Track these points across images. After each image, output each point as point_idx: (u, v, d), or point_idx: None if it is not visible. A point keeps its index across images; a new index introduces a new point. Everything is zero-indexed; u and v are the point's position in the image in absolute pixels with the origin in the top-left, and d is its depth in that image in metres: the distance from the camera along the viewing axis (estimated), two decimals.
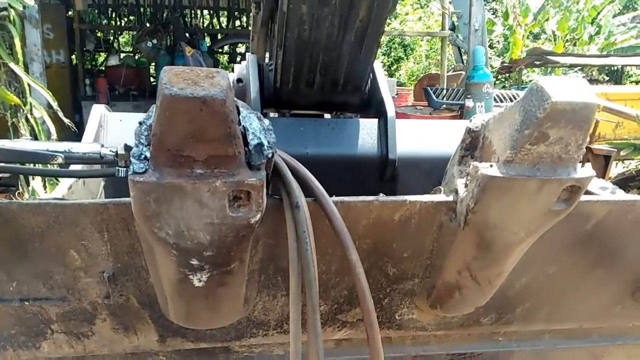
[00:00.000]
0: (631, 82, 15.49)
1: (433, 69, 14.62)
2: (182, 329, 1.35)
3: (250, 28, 2.90)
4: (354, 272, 1.10)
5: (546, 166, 1.03)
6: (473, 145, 1.20)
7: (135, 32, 11.43)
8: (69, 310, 1.27)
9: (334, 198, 1.12)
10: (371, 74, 2.30)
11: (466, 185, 1.13)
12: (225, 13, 12.68)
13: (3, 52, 4.45)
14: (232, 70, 2.52)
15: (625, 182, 5.22)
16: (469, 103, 5.63)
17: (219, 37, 12.59)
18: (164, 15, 11.59)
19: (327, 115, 2.67)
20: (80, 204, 1.07)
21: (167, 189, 0.91)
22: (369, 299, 1.11)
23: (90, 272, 1.18)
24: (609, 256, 1.43)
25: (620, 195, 1.79)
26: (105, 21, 12.06)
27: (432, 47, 17.51)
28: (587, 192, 1.53)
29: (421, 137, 2.34)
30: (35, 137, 4.50)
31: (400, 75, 17.83)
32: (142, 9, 11.80)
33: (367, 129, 2.24)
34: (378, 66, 2.36)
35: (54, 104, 4.53)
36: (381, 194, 1.16)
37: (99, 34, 11.81)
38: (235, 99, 0.96)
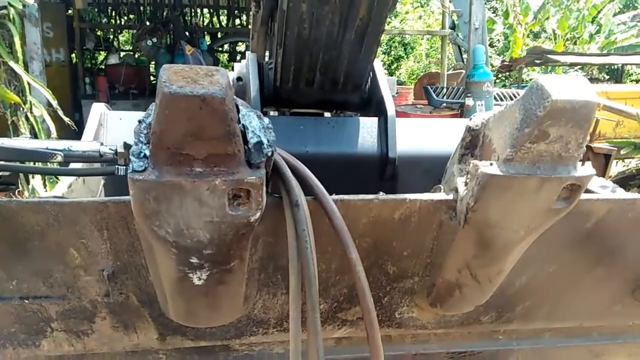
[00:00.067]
0: (631, 80, 15.48)
1: (433, 67, 14.61)
2: (182, 327, 1.35)
3: (250, 27, 2.90)
4: (354, 271, 1.10)
5: (546, 164, 1.03)
6: (473, 144, 1.20)
7: (135, 31, 11.42)
8: (68, 309, 1.27)
9: (334, 196, 1.12)
10: (371, 73, 2.30)
11: (466, 184, 1.13)
12: (225, 12, 12.67)
13: (3, 50, 4.45)
14: (232, 69, 2.52)
15: (625, 181, 5.22)
16: (469, 102, 5.63)
17: (219, 35, 12.58)
18: (164, 13, 11.58)
19: (327, 114, 2.66)
20: (79, 202, 1.07)
21: (167, 187, 0.90)
22: (368, 298, 1.11)
23: (90, 270, 1.18)
24: (609, 255, 1.43)
25: (621, 194, 1.79)
26: (105, 20, 12.05)
27: (433, 45, 17.50)
28: (588, 191, 1.53)
29: (421, 135, 2.34)
30: (35, 136, 4.50)
31: (400, 73, 17.83)
32: (142, 8, 11.79)
33: (367, 128, 2.24)
34: (378, 65, 2.36)
35: (54, 103, 4.52)
36: (381, 193, 1.16)
37: (98, 33, 11.80)
38: (235, 97, 0.96)
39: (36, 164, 1.53)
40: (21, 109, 4.50)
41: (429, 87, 6.54)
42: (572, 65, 11.90)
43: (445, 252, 1.26)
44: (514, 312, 1.54)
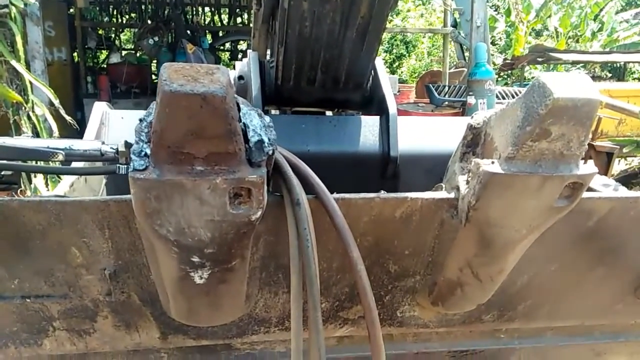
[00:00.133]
0: (634, 79, 15.44)
1: (435, 66, 14.60)
2: (184, 326, 1.35)
3: (251, 25, 2.89)
4: (355, 270, 1.10)
5: (548, 163, 1.02)
6: (474, 142, 1.20)
7: (136, 30, 11.42)
8: (70, 308, 1.27)
9: (335, 195, 1.12)
10: (373, 71, 2.29)
11: (467, 182, 1.13)
12: (227, 10, 12.67)
13: (5, 49, 4.45)
14: (234, 68, 2.52)
15: (627, 179, 5.20)
16: (471, 100, 5.62)
17: (221, 34, 12.57)
18: (166, 12, 11.58)
19: (328, 113, 2.66)
20: (81, 201, 1.07)
21: (168, 186, 0.90)
22: (370, 296, 1.11)
23: (91, 269, 1.18)
24: (611, 253, 1.42)
25: (623, 192, 1.78)
26: (106, 18, 12.05)
27: (434, 44, 17.48)
28: (590, 189, 1.52)
29: (423, 134, 2.33)
30: (37, 135, 4.50)
31: (402, 72, 17.80)
32: (143, 6, 11.79)
33: (368, 127, 2.24)
34: (380, 63, 2.35)
35: (56, 102, 4.52)
36: (382, 191, 1.16)
37: (100, 32, 11.80)
38: (236, 95, 0.96)
39: (38, 163, 1.54)
40: (23, 108, 4.51)
41: (430, 85, 6.52)
42: (574, 63, 11.86)
43: (447, 250, 1.26)
44: (516, 311, 1.54)
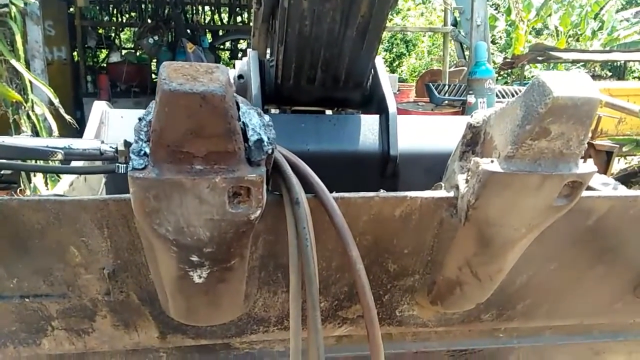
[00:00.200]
0: (634, 77, 15.43)
1: (435, 65, 14.59)
2: (183, 326, 1.35)
3: (251, 24, 2.89)
4: (354, 269, 1.10)
5: (547, 162, 1.02)
6: (474, 141, 1.19)
7: (136, 29, 11.41)
8: (69, 307, 1.27)
9: (334, 194, 1.12)
10: (372, 70, 2.29)
11: (467, 181, 1.13)
12: (227, 9, 12.66)
13: (4, 48, 4.44)
14: (234, 67, 2.52)
15: (627, 178, 5.20)
16: (471, 99, 5.61)
17: (221, 33, 12.56)
18: (165, 11, 11.57)
19: (328, 112, 2.66)
20: (80, 200, 1.07)
21: (167, 185, 0.90)
22: (369, 296, 1.11)
23: (90, 268, 1.18)
24: (610, 252, 1.42)
25: (623, 191, 1.78)
26: (106, 18, 12.04)
27: (434, 43, 17.46)
28: (589, 188, 1.52)
29: (422, 133, 2.33)
30: (36, 134, 4.50)
31: (402, 71, 17.78)
32: (143, 6, 11.78)
33: (368, 125, 2.23)
34: (379, 62, 2.35)
35: (56, 101, 4.51)
36: (382, 190, 1.16)
37: (100, 31, 11.80)
38: (235, 94, 0.96)
39: (37, 162, 1.54)
40: (23, 107, 4.50)
41: (430, 84, 6.52)
42: (574, 62, 11.85)
43: (446, 249, 1.26)
44: (515, 310, 1.54)
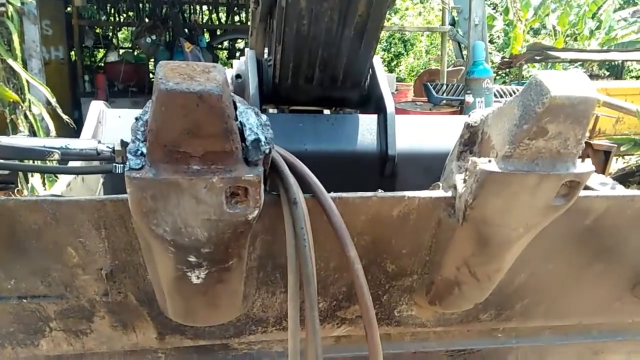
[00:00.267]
0: (631, 77, 15.46)
1: (433, 64, 14.59)
2: (181, 326, 1.35)
3: (249, 23, 2.89)
4: (353, 269, 1.10)
5: (545, 161, 1.02)
6: (472, 141, 1.19)
7: (134, 28, 11.40)
8: (67, 308, 1.26)
9: (332, 194, 1.11)
10: (371, 70, 2.29)
11: (465, 181, 1.13)
12: (225, 9, 12.65)
13: (1, 48, 4.43)
14: (231, 66, 2.51)
15: (625, 178, 5.20)
16: (469, 99, 5.62)
17: (218, 32, 12.56)
18: (163, 11, 11.55)
19: (326, 111, 2.65)
20: (77, 200, 1.06)
21: (164, 185, 0.90)
22: (367, 296, 1.10)
23: (88, 269, 1.18)
24: (608, 252, 1.42)
25: (620, 190, 1.78)
26: (104, 17, 12.02)
27: (432, 42, 17.46)
28: (587, 188, 1.52)
29: (420, 133, 2.33)
30: (34, 134, 4.49)
31: (400, 70, 17.78)
32: (141, 5, 11.77)
33: (366, 125, 2.23)
34: (377, 62, 2.35)
35: (53, 101, 4.51)
36: (379, 190, 1.16)
37: (97, 30, 11.78)
38: (232, 94, 0.95)
39: (34, 162, 1.53)
40: (20, 107, 4.49)
41: (428, 84, 6.52)
42: (572, 61, 11.86)
43: (444, 249, 1.26)
44: (513, 310, 1.54)
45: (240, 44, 12.73)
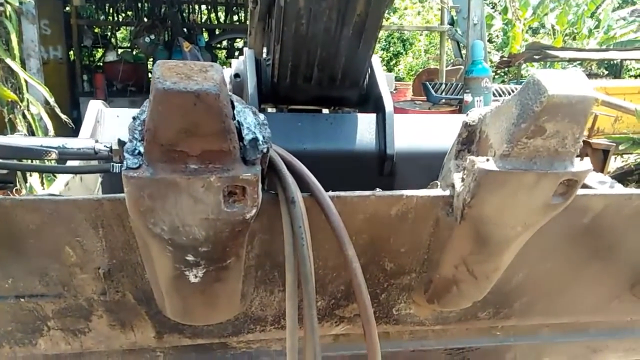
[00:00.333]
0: (630, 76, 15.47)
1: (432, 63, 14.58)
2: (179, 325, 1.35)
3: (247, 23, 2.88)
4: (351, 268, 1.10)
5: (543, 160, 1.02)
6: (470, 140, 1.19)
7: (132, 28, 11.38)
8: (65, 307, 1.26)
9: (330, 193, 1.11)
10: (369, 69, 2.29)
11: (463, 180, 1.13)
12: (223, 8, 12.63)
13: (0, 48, 4.43)
14: (230, 66, 2.51)
15: (623, 176, 5.21)
16: (468, 98, 5.62)
17: (217, 32, 12.54)
18: (162, 10, 11.53)
19: (325, 111, 2.65)
20: (74, 200, 1.06)
21: (161, 185, 0.90)
22: (365, 294, 1.10)
23: (85, 268, 1.18)
24: (606, 250, 1.43)
25: (618, 189, 1.78)
26: (102, 17, 12.01)
27: (431, 41, 17.46)
28: (586, 187, 1.52)
29: (419, 132, 2.33)
30: (32, 134, 4.48)
31: (399, 70, 17.79)
32: (139, 4, 11.75)
33: (365, 124, 2.23)
34: (376, 61, 2.34)
35: (51, 100, 4.50)
36: (378, 189, 1.16)
37: (96, 30, 11.76)
38: (230, 93, 0.95)
39: (33, 161, 1.53)
40: (18, 106, 4.48)
41: (427, 83, 6.52)
42: (571, 60, 11.86)
43: (442, 248, 1.26)
44: (512, 308, 1.54)
45: (239, 44, 12.72)
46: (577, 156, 1.06)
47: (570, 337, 1.73)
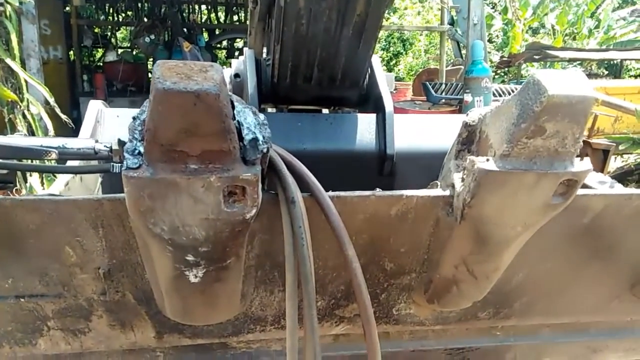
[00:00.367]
0: (630, 76, 15.47)
1: (432, 63, 14.59)
2: (179, 325, 1.35)
3: (247, 23, 2.88)
4: (351, 268, 1.10)
5: (543, 160, 1.02)
6: (470, 140, 1.19)
7: (132, 28, 11.38)
8: (65, 307, 1.26)
9: (330, 193, 1.11)
10: (369, 69, 2.29)
11: (463, 180, 1.13)
12: (223, 8, 12.63)
13: (0, 48, 4.43)
14: (230, 66, 2.51)
15: (623, 176, 5.21)
16: (468, 98, 5.63)
17: (217, 32, 12.54)
18: (162, 10, 11.53)
19: (325, 111, 2.65)
20: (74, 200, 1.06)
21: (161, 185, 0.90)
22: (365, 295, 1.10)
23: (85, 268, 1.18)
24: (606, 250, 1.43)
25: (618, 189, 1.78)
26: (102, 17, 12.01)
27: (431, 41, 17.46)
28: (586, 187, 1.52)
29: (419, 132, 2.33)
30: (32, 134, 4.48)
31: (399, 70, 17.79)
32: (139, 4, 11.75)
33: (365, 124, 2.23)
34: (376, 61, 2.34)
35: (51, 100, 4.50)
36: (377, 189, 1.16)
37: (96, 30, 11.76)
38: (230, 93, 0.95)
39: (33, 161, 1.53)
40: (18, 106, 4.48)
41: (427, 83, 6.52)
42: (571, 60, 11.85)
43: (442, 248, 1.26)
44: (512, 308, 1.54)
45: (239, 44, 12.72)
46: (577, 156, 1.06)
47: (571, 337, 1.73)
